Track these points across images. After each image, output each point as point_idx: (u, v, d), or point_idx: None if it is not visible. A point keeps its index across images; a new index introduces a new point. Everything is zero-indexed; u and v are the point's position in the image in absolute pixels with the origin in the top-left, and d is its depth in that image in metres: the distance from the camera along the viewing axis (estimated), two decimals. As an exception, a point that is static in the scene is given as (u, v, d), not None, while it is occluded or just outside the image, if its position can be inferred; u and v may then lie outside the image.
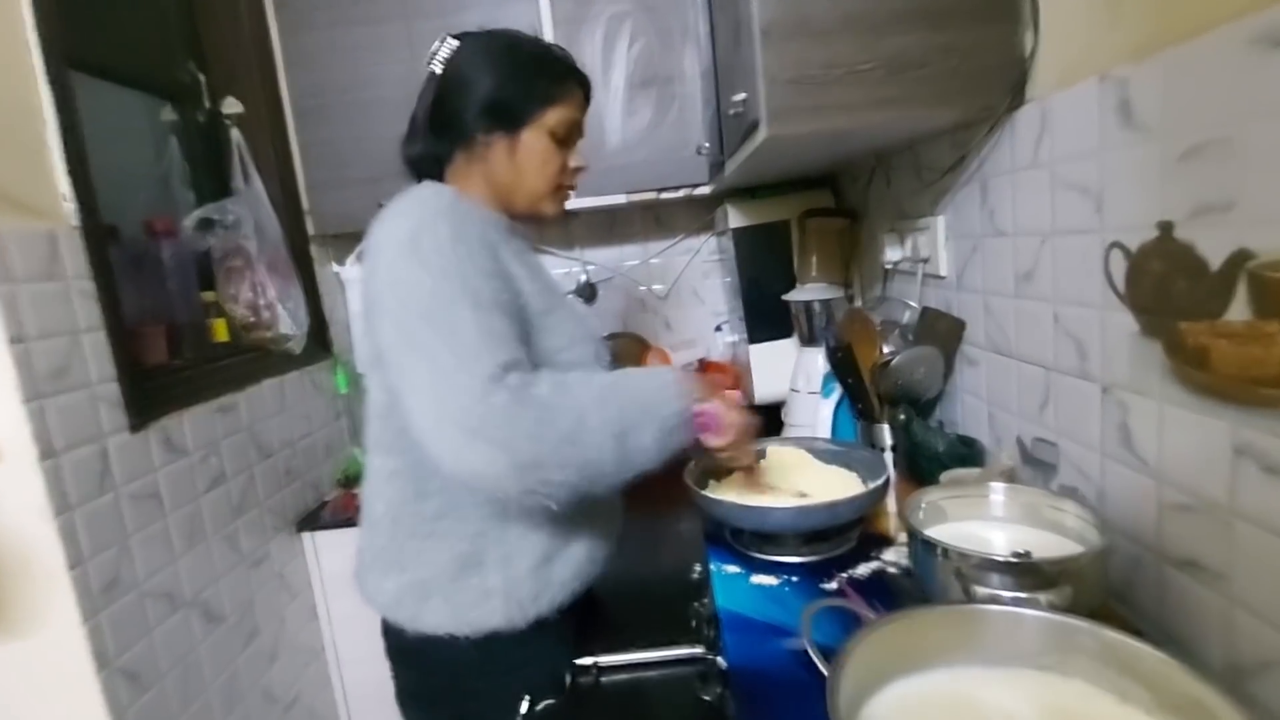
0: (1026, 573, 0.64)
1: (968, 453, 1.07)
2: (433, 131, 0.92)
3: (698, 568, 1.12)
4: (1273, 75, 0.55)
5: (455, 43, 0.91)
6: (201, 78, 1.62)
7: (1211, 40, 0.60)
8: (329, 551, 1.69)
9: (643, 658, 0.93)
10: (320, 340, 1.83)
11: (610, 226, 2.07)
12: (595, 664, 0.93)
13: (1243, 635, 0.64)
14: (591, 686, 0.91)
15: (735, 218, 1.64)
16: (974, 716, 0.48)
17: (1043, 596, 0.63)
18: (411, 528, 0.87)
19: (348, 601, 1.65)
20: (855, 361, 1.17)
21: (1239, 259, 0.60)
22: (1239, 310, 0.61)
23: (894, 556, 0.93)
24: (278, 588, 1.58)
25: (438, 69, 0.91)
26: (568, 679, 0.90)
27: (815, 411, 1.34)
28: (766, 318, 1.67)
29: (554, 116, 0.90)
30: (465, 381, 0.69)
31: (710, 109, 1.48)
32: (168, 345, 1.38)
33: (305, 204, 1.80)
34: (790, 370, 1.63)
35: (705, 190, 1.69)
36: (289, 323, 1.59)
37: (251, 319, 1.52)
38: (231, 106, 1.60)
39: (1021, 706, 0.49)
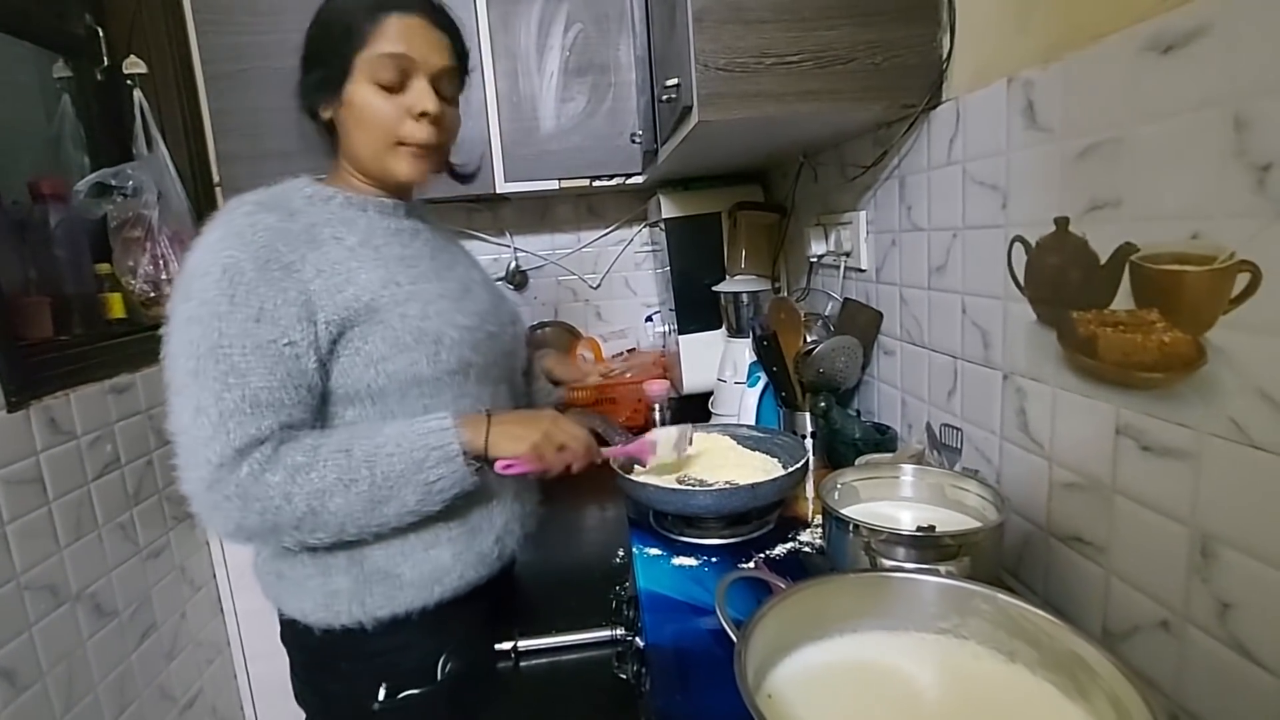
0: (929, 546, 0.67)
1: (881, 439, 1.11)
2: (303, 112, 0.87)
3: (620, 552, 1.12)
4: (1157, 80, 0.59)
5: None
6: (100, 32, 1.50)
7: (1107, 46, 0.64)
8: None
9: (562, 640, 0.92)
10: (231, 320, 1.73)
11: (542, 214, 2.05)
12: (514, 647, 0.92)
13: (1117, 602, 0.69)
14: (510, 670, 0.90)
15: (668, 208, 1.66)
16: (875, 678, 0.50)
17: (943, 568, 0.66)
18: None
19: (254, 595, 1.57)
20: (780, 350, 1.20)
21: (1124, 252, 0.65)
22: (1123, 300, 0.65)
23: (809, 537, 0.96)
24: (178, 580, 1.49)
25: None
26: (441, 668, 0.88)
27: (741, 400, 1.36)
28: (696, 308, 1.69)
29: (366, 60, 0.78)
30: (197, 466, 0.71)
31: (644, 97, 1.48)
32: (54, 319, 1.27)
33: (216, 176, 1.69)
34: (718, 361, 1.66)
35: (638, 180, 1.69)
36: (195, 299, 1.50)
37: (152, 294, 1.43)
38: (134, 66, 1.49)
39: (919, 668, 0.51)
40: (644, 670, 0.77)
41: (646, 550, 0.97)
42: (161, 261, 1.43)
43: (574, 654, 0.91)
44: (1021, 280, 0.80)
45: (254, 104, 1.63)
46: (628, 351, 2.02)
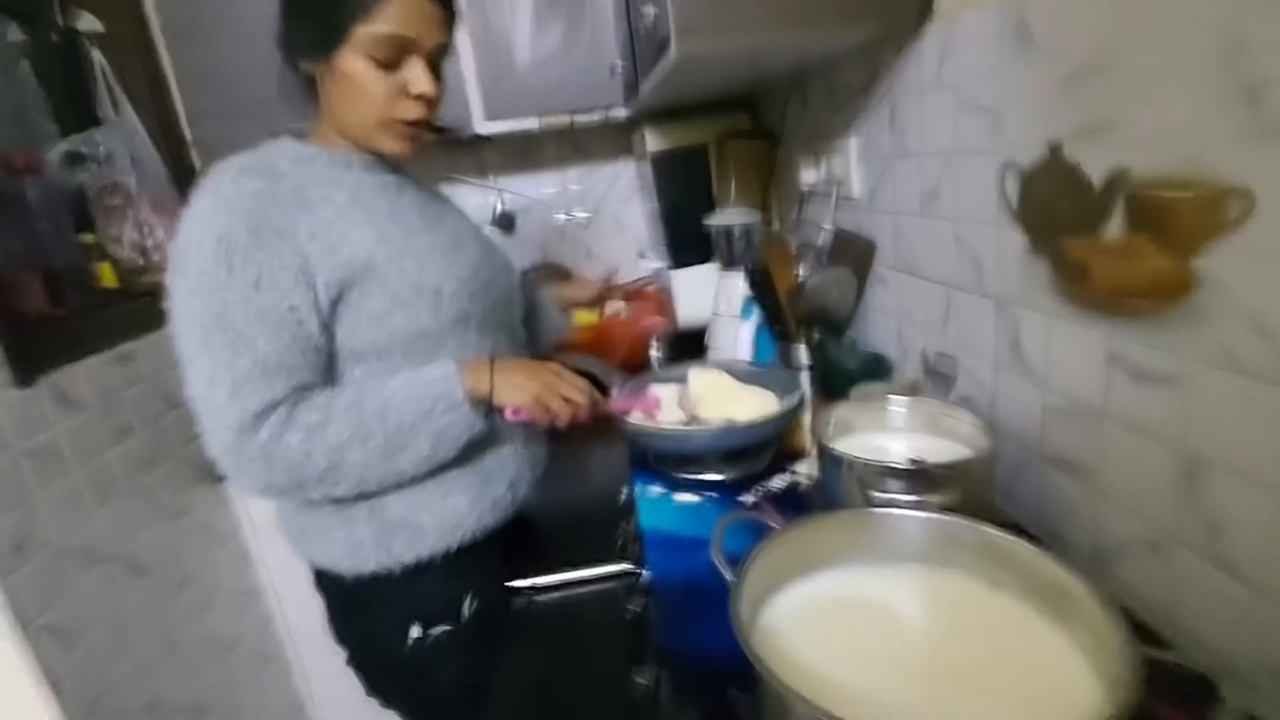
0: (919, 477, 0.69)
1: (877, 369, 1.12)
2: (283, 60, 0.84)
3: (625, 491, 1.16)
4: (1152, -5, 0.56)
5: None
6: (48, -13, 1.42)
7: (1100, -42, 0.61)
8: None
9: (573, 576, 0.96)
10: (224, 281, 1.72)
11: (525, 153, 1.99)
12: (531, 585, 0.96)
13: (1106, 523, 0.71)
14: (525, 606, 0.95)
15: (654, 142, 1.61)
16: (865, 609, 0.53)
17: (933, 498, 0.68)
18: None
19: (280, 546, 1.64)
20: (772, 284, 1.19)
21: (1117, 178, 0.64)
22: (1115, 227, 0.65)
23: (808, 469, 0.99)
24: (205, 537, 1.55)
25: None
26: (466, 609, 0.93)
27: (736, 334, 1.37)
28: (688, 243, 1.67)
29: (365, 33, 0.76)
30: (219, 432, 0.74)
31: (623, 25, 1.42)
32: (47, 293, 1.27)
33: (188, 134, 1.65)
34: (712, 294, 1.66)
35: (621, 113, 1.63)
36: (186, 264, 1.49)
37: (140, 261, 1.42)
38: (88, 23, 1.42)
39: (908, 599, 0.54)
40: (649, 603, 0.81)
41: (649, 489, 1.00)
42: (146, 228, 1.41)
43: (584, 589, 0.96)
44: (1015, 207, 0.79)
45: (221, 57, 1.57)
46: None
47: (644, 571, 0.89)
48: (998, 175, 0.80)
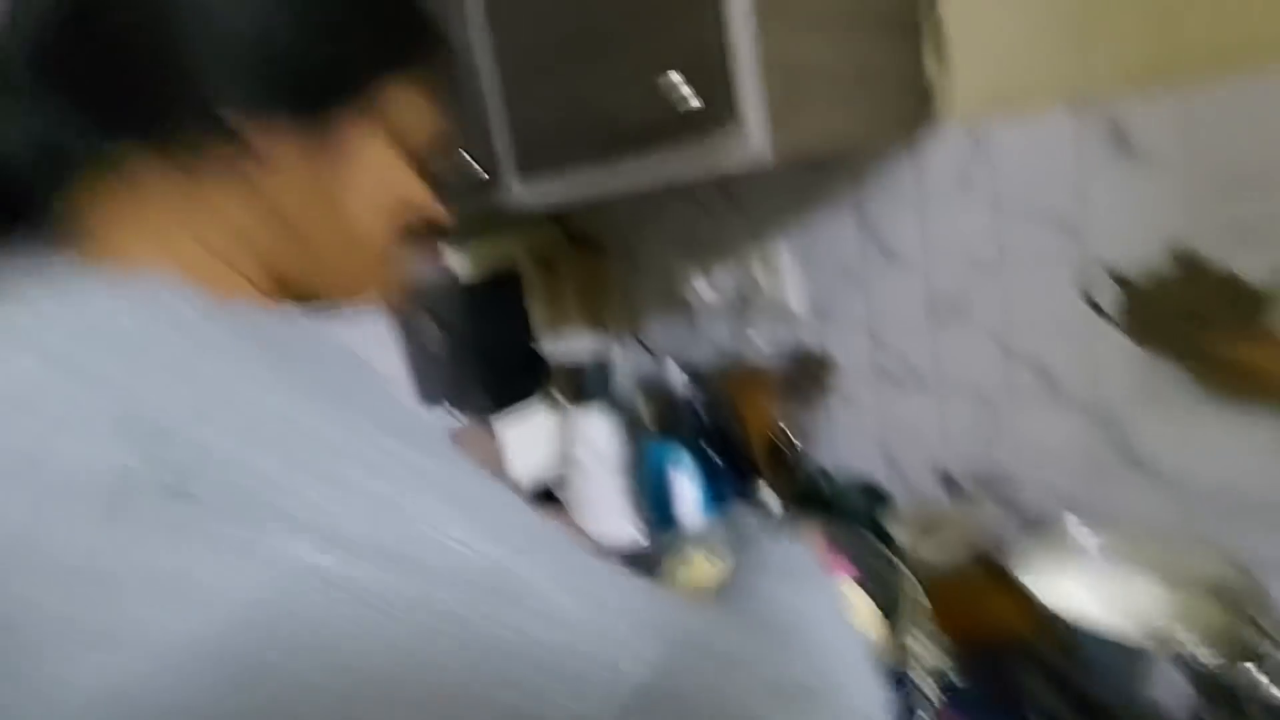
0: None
1: (878, 499, 0.98)
2: (80, 94, 0.35)
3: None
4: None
5: None
6: None
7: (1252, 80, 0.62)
8: None
9: None
10: None
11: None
12: None
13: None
14: None
15: (458, 267, 1.19)
16: None
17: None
18: None
19: None
20: (745, 427, 0.96)
21: (1286, 276, 0.65)
22: (1286, 323, 0.65)
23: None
24: None
25: None
26: None
27: (606, 486, 1.08)
28: (505, 381, 1.29)
29: (404, 98, 0.42)
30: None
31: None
32: None
33: None
34: (551, 439, 1.32)
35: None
36: None
37: None
38: None
39: None
40: None
41: None
42: None
43: None
44: (1116, 315, 0.76)
45: None
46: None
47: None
48: (1077, 283, 0.77)
